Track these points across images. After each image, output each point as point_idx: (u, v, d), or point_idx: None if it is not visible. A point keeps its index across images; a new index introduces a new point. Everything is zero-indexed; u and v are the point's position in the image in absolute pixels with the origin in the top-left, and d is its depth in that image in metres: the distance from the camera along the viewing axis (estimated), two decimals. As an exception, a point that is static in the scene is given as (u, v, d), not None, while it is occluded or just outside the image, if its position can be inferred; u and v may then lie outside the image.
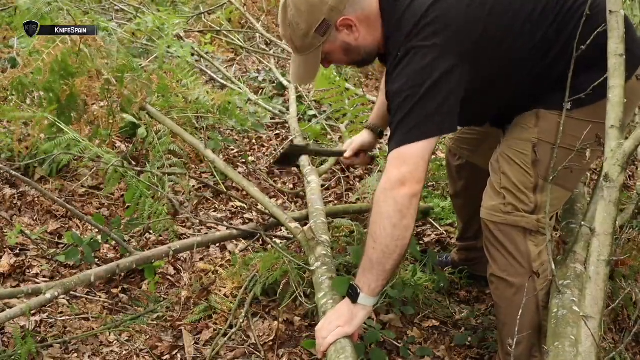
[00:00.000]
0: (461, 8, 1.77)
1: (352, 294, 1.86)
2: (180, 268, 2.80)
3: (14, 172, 2.66)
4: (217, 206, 3.28)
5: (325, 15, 1.82)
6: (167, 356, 2.28)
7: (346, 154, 2.41)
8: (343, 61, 2.02)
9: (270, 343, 2.35)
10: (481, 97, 1.88)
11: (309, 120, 4.10)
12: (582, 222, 1.81)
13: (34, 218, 2.96)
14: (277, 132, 4.17)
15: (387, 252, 1.79)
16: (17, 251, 2.73)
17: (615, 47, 1.56)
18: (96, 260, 2.72)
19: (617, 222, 1.52)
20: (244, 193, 3.19)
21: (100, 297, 2.56)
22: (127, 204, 2.93)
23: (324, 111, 4.16)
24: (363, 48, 1.92)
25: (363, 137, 2.39)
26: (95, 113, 3.23)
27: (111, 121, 3.26)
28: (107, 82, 3.20)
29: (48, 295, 2.15)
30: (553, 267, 1.76)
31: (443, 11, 1.75)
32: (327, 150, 2.50)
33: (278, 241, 2.76)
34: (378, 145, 2.45)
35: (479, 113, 2.04)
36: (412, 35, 1.76)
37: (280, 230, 2.91)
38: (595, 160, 2.05)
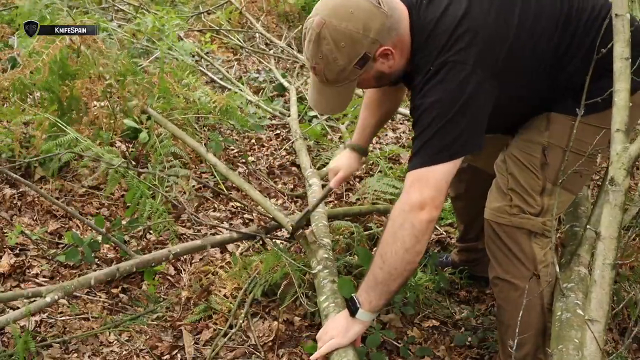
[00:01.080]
0: (490, 21, 1.72)
1: (352, 307, 1.86)
2: (181, 268, 2.80)
3: (14, 175, 2.65)
4: (216, 206, 3.28)
5: (367, 49, 1.72)
6: (167, 356, 2.28)
7: (332, 185, 2.34)
8: (373, 86, 1.97)
9: (270, 343, 2.35)
10: (502, 110, 1.83)
11: (310, 121, 4.09)
12: (587, 226, 1.81)
13: (34, 218, 2.95)
14: (277, 132, 4.17)
15: (394, 275, 1.78)
16: (17, 251, 2.72)
17: (621, 50, 1.55)
18: (96, 260, 2.72)
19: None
20: (244, 193, 3.18)
21: (100, 297, 2.55)
22: (127, 204, 2.92)
23: (324, 111, 4.15)
24: (395, 73, 1.85)
25: (349, 163, 2.32)
26: (95, 113, 3.22)
27: (112, 123, 3.25)
28: (108, 86, 3.19)
29: (48, 299, 2.15)
30: (557, 269, 1.75)
31: (474, 23, 1.70)
32: (321, 198, 2.52)
33: (279, 242, 2.75)
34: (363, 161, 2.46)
35: (496, 124, 1.98)
36: (446, 49, 1.69)
37: (281, 230, 2.90)
38: (601, 164, 2.05)
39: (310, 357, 1.88)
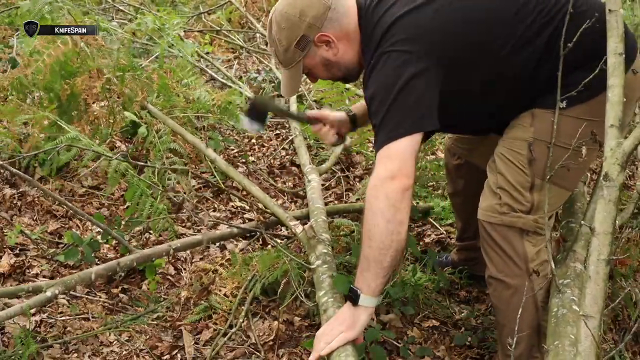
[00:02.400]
0: (427, 17, 1.84)
1: (353, 297, 1.85)
2: (181, 268, 2.80)
3: (14, 170, 2.66)
4: (216, 206, 3.28)
5: (304, 32, 1.93)
6: (167, 356, 2.29)
7: (310, 113, 2.43)
8: (325, 76, 2.08)
9: (270, 343, 2.35)
10: (476, 102, 1.94)
11: (309, 121, 4.08)
12: (582, 222, 1.81)
13: (34, 218, 2.96)
14: (277, 132, 4.17)
15: (383, 248, 1.78)
16: (17, 251, 2.73)
17: (615, 46, 1.55)
18: (96, 260, 2.72)
19: (617, 222, 1.51)
20: (244, 193, 3.19)
21: (100, 297, 2.56)
22: (127, 204, 2.93)
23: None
24: (343, 63, 2.01)
25: (335, 112, 2.40)
26: (95, 113, 3.23)
27: (112, 120, 3.25)
28: (108, 82, 3.20)
29: (48, 294, 2.15)
30: (553, 266, 1.75)
31: (409, 20, 1.83)
32: (290, 112, 2.55)
33: (278, 240, 2.76)
34: (350, 137, 2.47)
35: (476, 120, 2.07)
36: (382, 43, 1.83)
37: (280, 229, 2.91)
38: (593, 159, 2.05)
39: (315, 353, 1.86)
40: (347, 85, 3.68)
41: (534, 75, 1.86)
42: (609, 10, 1.58)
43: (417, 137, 1.80)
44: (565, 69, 1.75)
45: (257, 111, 2.30)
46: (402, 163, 1.78)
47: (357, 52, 1.98)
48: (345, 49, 1.97)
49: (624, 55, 1.57)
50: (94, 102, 3.35)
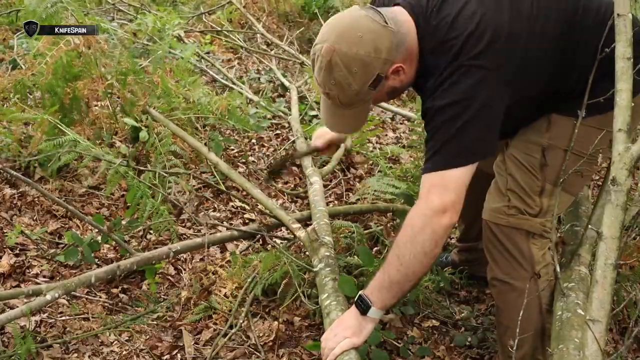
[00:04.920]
0: (504, 21, 1.69)
1: (362, 306, 1.82)
2: (181, 268, 2.80)
3: (14, 173, 2.65)
4: (216, 206, 3.27)
5: (379, 70, 1.72)
6: (167, 356, 2.28)
7: (318, 144, 2.33)
8: (384, 101, 1.96)
9: (271, 343, 2.34)
10: (511, 116, 1.81)
11: (310, 121, 4.09)
12: (590, 225, 1.81)
13: (34, 218, 2.95)
14: (277, 132, 4.17)
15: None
16: (17, 251, 2.72)
17: (623, 50, 1.55)
18: (96, 260, 2.71)
19: (622, 225, 1.52)
20: (244, 193, 3.18)
21: (100, 297, 2.55)
22: (127, 204, 2.92)
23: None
24: (406, 85, 1.85)
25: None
26: (96, 114, 3.22)
27: (113, 123, 3.25)
28: (110, 86, 3.19)
29: (48, 297, 2.14)
30: (558, 269, 1.75)
31: (490, 26, 1.67)
32: (305, 151, 2.54)
33: (279, 241, 2.75)
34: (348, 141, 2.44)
35: (504, 130, 1.95)
36: (462, 52, 1.66)
37: (281, 230, 2.90)
38: (601, 165, 2.05)
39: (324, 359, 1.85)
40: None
41: (562, 86, 1.83)
42: (617, 14, 1.58)
43: (475, 166, 1.72)
44: (594, 78, 1.72)
45: (276, 172, 2.44)
46: (457, 197, 1.70)
47: (416, 66, 1.80)
48: (409, 70, 1.79)
49: (632, 60, 1.57)
50: (95, 105, 3.34)
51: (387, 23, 1.70)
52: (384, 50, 1.69)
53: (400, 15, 1.76)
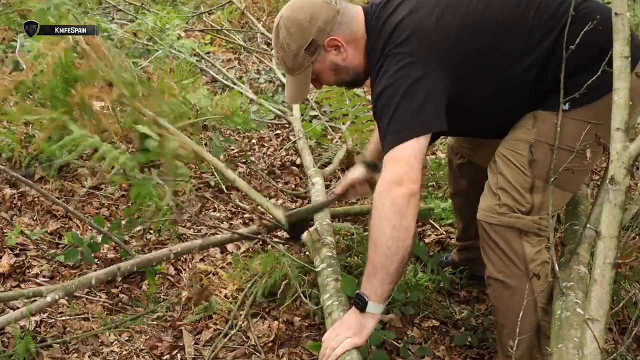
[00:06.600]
0: (432, 19, 1.85)
1: (360, 303, 1.84)
2: (180, 268, 2.80)
3: (13, 173, 2.65)
4: (216, 206, 3.27)
5: (314, 36, 1.93)
6: (167, 356, 2.28)
7: (337, 191, 2.48)
8: (332, 81, 2.08)
9: (270, 343, 2.34)
10: (481, 107, 1.95)
11: (310, 121, 4.09)
12: (587, 225, 1.81)
13: (34, 218, 2.95)
14: (277, 132, 4.17)
15: (390, 255, 1.77)
16: (17, 251, 2.72)
17: (621, 49, 1.55)
18: (96, 260, 2.72)
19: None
20: (244, 194, 3.18)
21: (100, 297, 2.55)
22: (127, 204, 2.91)
23: (324, 112, 4.15)
24: (352, 68, 2.01)
25: (355, 171, 2.43)
26: (106, 126, 3.20)
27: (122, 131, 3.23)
28: (120, 96, 3.17)
29: (49, 299, 2.15)
30: (557, 268, 1.75)
31: (414, 22, 1.85)
32: (323, 202, 2.57)
33: (279, 241, 2.75)
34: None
35: (480, 125, 2.07)
36: (387, 45, 1.86)
37: (281, 230, 2.89)
38: (596, 161, 2.05)
39: (322, 359, 1.85)
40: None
41: (539, 79, 1.87)
42: (615, 13, 1.57)
43: (423, 140, 1.80)
44: (569, 71, 1.76)
45: (294, 226, 2.44)
46: (408, 167, 1.77)
47: (364, 57, 1.99)
48: (353, 54, 1.98)
49: (630, 59, 1.57)
50: (102, 110, 3.32)
51: (331, 2, 1.95)
52: (320, 20, 1.92)
53: (352, 7, 2.00)
